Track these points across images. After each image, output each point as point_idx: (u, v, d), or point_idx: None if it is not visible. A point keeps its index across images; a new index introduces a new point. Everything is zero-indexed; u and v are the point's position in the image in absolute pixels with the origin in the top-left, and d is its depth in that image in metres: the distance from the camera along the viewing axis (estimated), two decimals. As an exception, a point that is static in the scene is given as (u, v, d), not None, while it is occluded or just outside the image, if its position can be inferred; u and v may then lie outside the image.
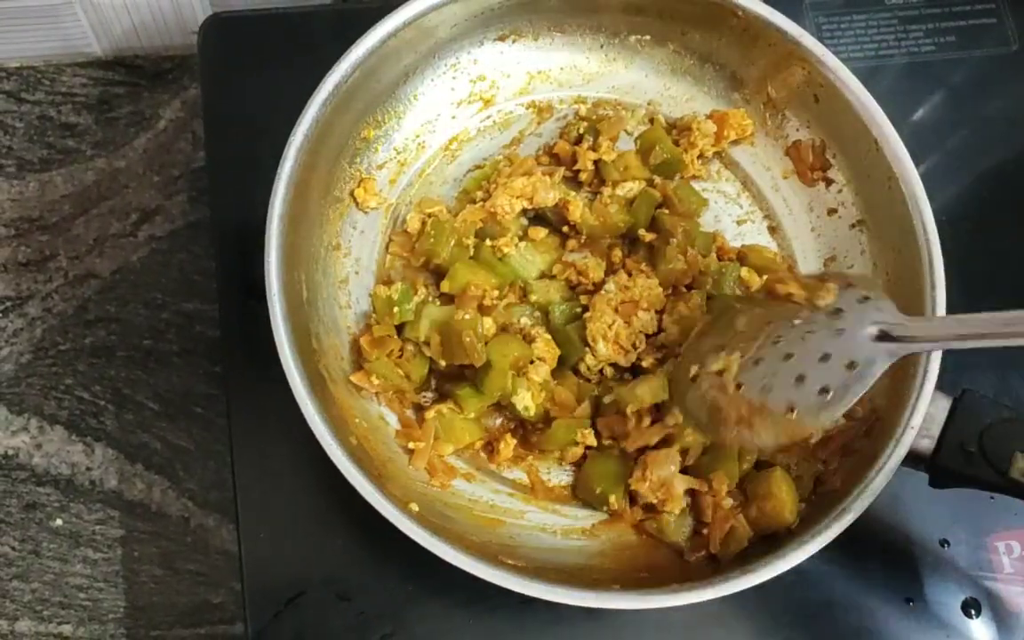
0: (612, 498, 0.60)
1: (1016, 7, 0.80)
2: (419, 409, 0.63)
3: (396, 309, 0.61)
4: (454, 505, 0.60)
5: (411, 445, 0.61)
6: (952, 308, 0.59)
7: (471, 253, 0.65)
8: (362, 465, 0.55)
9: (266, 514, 0.62)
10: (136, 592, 0.69)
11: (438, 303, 0.63)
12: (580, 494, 0.62)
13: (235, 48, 0.73)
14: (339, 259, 0.65)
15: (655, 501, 0.59)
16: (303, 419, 0.55)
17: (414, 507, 0.55)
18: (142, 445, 0.72)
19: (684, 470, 0.60)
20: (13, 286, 0.74)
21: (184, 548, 0.70)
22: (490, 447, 0.63)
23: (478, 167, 0.70)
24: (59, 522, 0.70)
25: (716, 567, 0.57)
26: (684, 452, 0.59)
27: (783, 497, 0.57)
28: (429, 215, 0.66)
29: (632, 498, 0.61)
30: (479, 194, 0.67)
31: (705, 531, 0.58)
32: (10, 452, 0.70)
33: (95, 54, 0.80)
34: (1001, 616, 0.63)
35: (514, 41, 0.70)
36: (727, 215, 0.70)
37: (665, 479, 0.58)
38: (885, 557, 0.64)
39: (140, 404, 0.73)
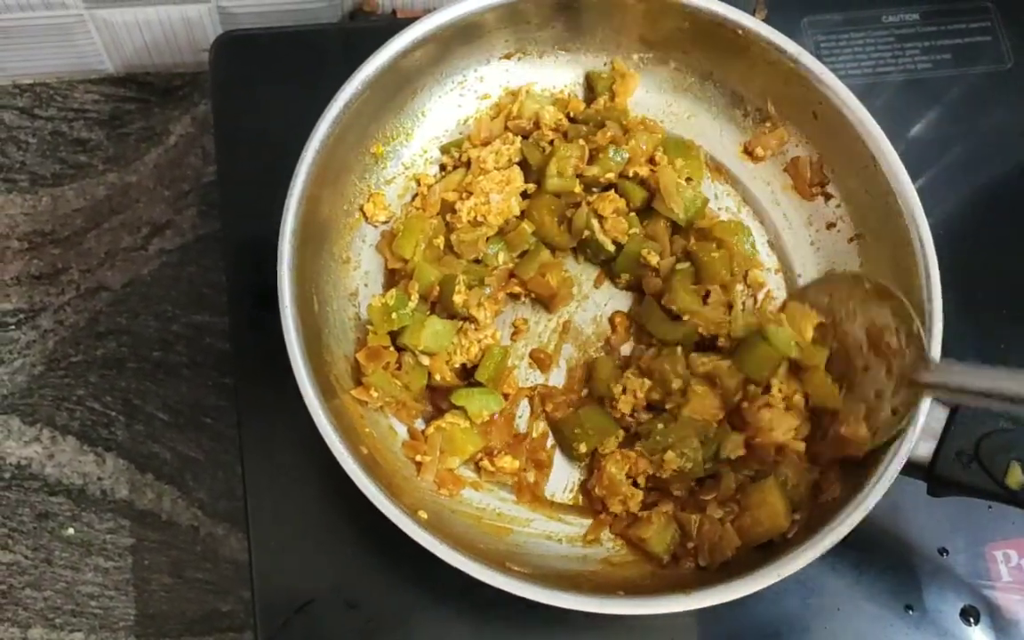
0: (582, 447, 0.62)
1: (1011, 25, 0.82)
2: (430, 419, 0.64)
3: (394, 315, 0.62)
4: (462, 513, 0.61)
5: (418, 458, 0.62)
6: (948, 322, 0.60)
7: (441, 251, 0.66)
8: (372, 474, 0.55)
9: (275, 523, 0.63)
10: (146, 600, 0.70)
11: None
12: (558, 439, 0.64)
13: (246, 66, 0.74)
14: (349, 272, 0.66)
15: (605, 500, 0.61)
16: (313, 429, 0.56)
17: (423, 515, 0.56)
18: (152, 455, 0.73)
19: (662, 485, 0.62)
20: (26, 299, 0.75)
21: (194, 557, 0.71)
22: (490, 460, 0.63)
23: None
24: (71, 531, 0.70)
25: (718, 574, 0.57)
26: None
27: (776, 504, 0.58)
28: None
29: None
30: (447, 160, 0.69)
31: (691, 544, 0.59)
32: (23, 462, 0.71)
33: (107, 71, 0.82)
34: (1000, 624, 0.64)
35: (519, 59, 0.71)
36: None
37: (614, 479, 0.60)
38: (885, 565, 0.65)
39: (150, 415, 0.74)
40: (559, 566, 0.60)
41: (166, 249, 0.78)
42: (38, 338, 0.74)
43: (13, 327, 0.74)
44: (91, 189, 0.79)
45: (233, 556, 0.71)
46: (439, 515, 0.58)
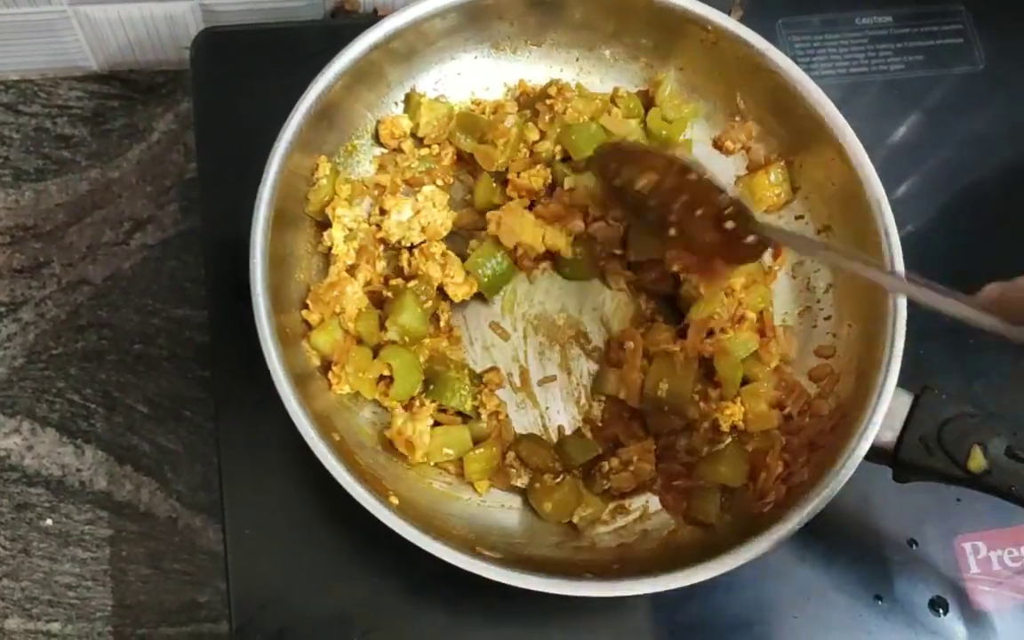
0: None
1: (982, 27, 0.83)
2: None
3: None
4: (436, 492, 0.62)
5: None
6: (918, 315, 0.61)
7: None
8: (343, 459, 0.56)
9: (251, 514, 0.63)
10: (124, 591, 0.70)
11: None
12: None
13: (227, 62, 0.75)
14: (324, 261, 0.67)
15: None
16: (288, 421, 0.57)
17: (394, 500, 0.57)
18: (131, 447, 0.73)
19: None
20: (8, 292, 0.76)
21: (171, 548, 0.71)
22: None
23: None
24: (49, 522, 0.71)
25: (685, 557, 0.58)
26: None
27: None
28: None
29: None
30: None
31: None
32: (2, 453, 0.72)
33: (91, 68, 0.83)
34: (968, 614, 0.65)
35: (493, 54, 0.72)
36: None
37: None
38: (855, 555, 0.66)
39: (130, 407, 0.74)
40: (533, 552, 0.60)
41: (147, 244, 0.78)
42: (19, 331, 0.75)
43: (-6, 320, 0.75)
44: (74, 185, 0.79)
45: (210, 547, 0.71)
46: (410, 501, 0.59)
